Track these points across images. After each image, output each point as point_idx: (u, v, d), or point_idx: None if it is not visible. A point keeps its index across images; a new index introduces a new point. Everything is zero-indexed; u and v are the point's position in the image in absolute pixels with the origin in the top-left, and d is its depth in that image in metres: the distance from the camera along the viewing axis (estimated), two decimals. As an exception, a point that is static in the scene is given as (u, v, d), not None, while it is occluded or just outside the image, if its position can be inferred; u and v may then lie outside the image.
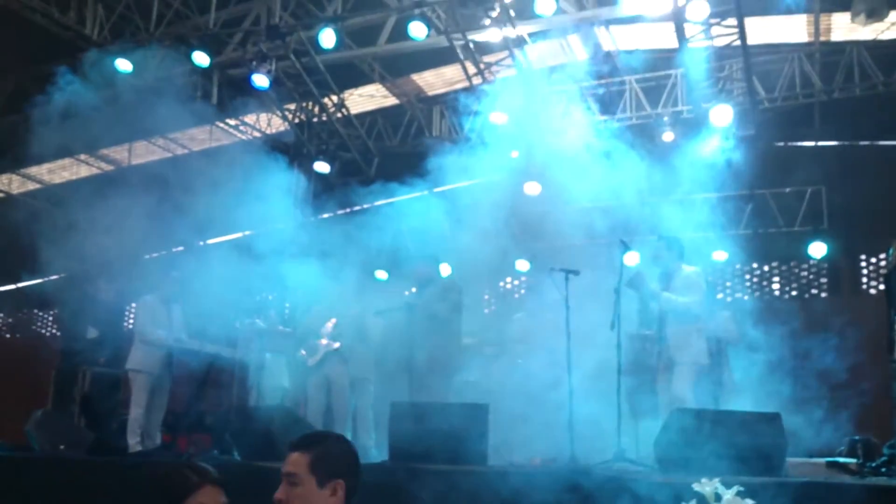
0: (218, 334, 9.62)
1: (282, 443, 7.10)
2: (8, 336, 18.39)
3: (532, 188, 11.55)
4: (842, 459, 7.24)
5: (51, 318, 17.68)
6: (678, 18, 9.76)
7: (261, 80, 10.89)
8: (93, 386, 9.74)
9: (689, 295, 7.28)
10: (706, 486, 3.47)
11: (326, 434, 3.62)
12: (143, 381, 8.62)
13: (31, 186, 14.75)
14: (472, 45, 10.85)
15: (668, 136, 11.29)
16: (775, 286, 13.30)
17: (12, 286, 14.54)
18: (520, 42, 10.69)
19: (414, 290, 9.55)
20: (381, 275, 11.37)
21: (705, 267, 12.30)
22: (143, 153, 14.37)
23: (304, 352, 9.39)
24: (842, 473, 6.69)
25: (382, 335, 9.61)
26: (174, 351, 8.86)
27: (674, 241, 7.66)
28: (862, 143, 12.22)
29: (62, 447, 8.76)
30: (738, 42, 10.23)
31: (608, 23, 11.09)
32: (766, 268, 13.31)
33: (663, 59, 11.43)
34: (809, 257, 12.06)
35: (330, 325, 9.36)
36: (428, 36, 10.29)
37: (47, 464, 7.75)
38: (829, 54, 11.40)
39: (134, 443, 8.48)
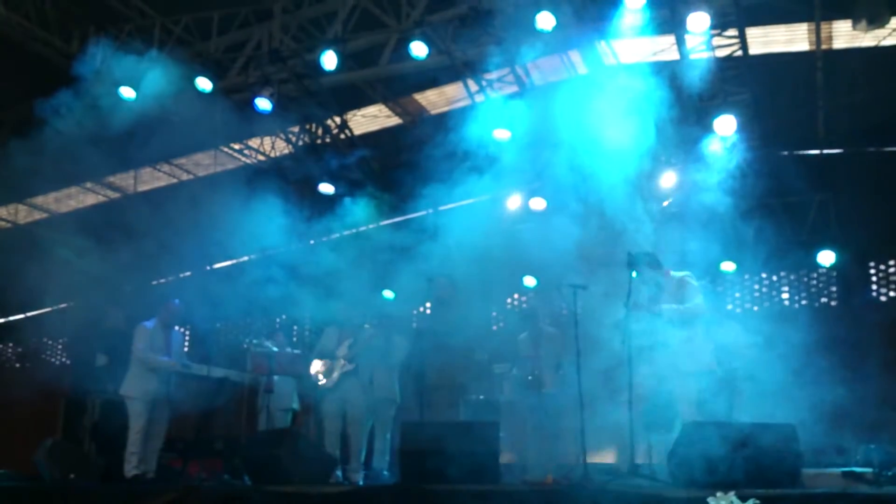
0: (226, 358, 9.62)
1: (291, 467, 7.08)
2: (18, 365, 18.39)
3: (537, 203, 11.55)
4: (858, 469, 7.17)
5: (60, 347, 17.69)
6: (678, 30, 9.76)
7: (263, 104, 10.94)
8: (103, 413, 9.71)
9: (688, 300, 7.13)
10: (722, 500, 3.43)
11: None
12: (138, 407, 8.58)
13: (38, 216, 14.76)
14: (472, 64, 10.88)
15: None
16: (784, 295, 13.23)
17: (21, 315, 14.53)
18: (521, 59, 10.70)
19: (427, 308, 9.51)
20: (389, 294, 11.36)
21: (714, 278, 12.31)
22: (149, 180, 14.40)
23: (320, 375, 9.34)
24: (858, 483, 6.62)
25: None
26: (179, 376, 8.83)
27: (637, 257, 7.44)
28: (868, 149, 12.16)
29: (72, 476, 8.73)
30: (740, 52, 10.22)
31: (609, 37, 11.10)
32: (774, 277, 13.24)
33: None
34: (819, 266, 12.03)
35: (345, 346, 9.32)
36: (429, 55, 10.33)
37: (58, 493, 7.72)
38: (831, 62, 11.38)
39: (130, 468, 8.41)
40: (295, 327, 13.80)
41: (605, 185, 9.18)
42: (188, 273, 12.41)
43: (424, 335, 8.96)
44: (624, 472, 6.56)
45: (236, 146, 13.32)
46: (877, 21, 9.57)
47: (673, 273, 7.31)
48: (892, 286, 12.57)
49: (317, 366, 9.41)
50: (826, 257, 11.56)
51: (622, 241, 8.60)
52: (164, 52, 10.75)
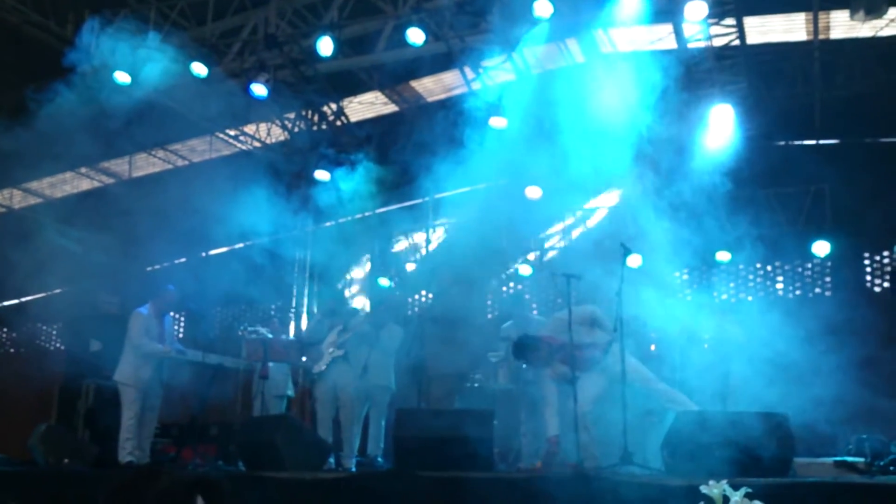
0: (221, 344, 9.60)
1: (286, 454, 7.08)
2: (12, 351, 18.38)
3: (533, 192, 11.54)
4: (850, 458, 7.20)
5: (54, 332, 17.67)
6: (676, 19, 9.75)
7: (259, 90, 10.89)
8: (97, 399, 9.71)
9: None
10: (714, 489, 3.43)
11: None
12: (132, 394, 8.55)
13: (33, 201, 14.73)
14: (469, 51, 10.85)
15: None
16: (779, 286, 13.25)
17: (15, 301, 14.51)
18: (518, 46, 10.67)
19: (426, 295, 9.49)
20: (384, 282, 11.36)
21: (710, 267, 12.36)
22: (144, 165, 14.37)
23: (304, 358, 9.34)
24: (850, 473, 6.64)
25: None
26: (173, 362, 8.82)
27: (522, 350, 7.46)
28: (864, 140, 12.16)
29: (66, 461, 8.73)
30: (738, 42, 10.21)
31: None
32: (769, 267, 13.26)
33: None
34: (814, 256, 12.08)
35: (334, 332, 9.32)
36: (426, 42, 10.29)
37: (52, 478, 7.73)
38: (828, 52, 11.38)
39: (125, 455, 8.40)
40: (290, 313, 13.78)
41: (602, 174, 9.19)
42: (183, 259, 12.40)
43: (425, 323, 8.92)
44: (616, 460, 6.56)
45: (232, 132, 13.29)
46: (874, 11, 9.55)
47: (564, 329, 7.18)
48: (887, 277, 12.59)
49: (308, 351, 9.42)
50: (821, 248, 11.59)
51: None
52: (160, 37, 10.70)
